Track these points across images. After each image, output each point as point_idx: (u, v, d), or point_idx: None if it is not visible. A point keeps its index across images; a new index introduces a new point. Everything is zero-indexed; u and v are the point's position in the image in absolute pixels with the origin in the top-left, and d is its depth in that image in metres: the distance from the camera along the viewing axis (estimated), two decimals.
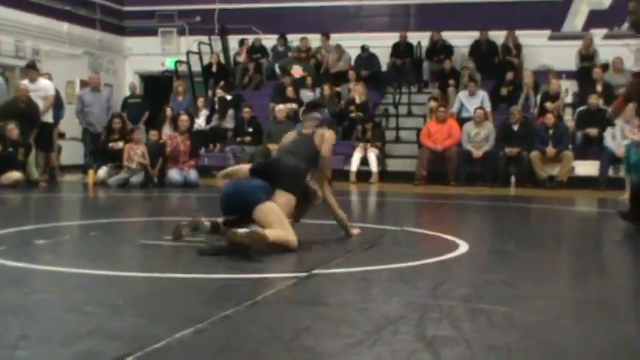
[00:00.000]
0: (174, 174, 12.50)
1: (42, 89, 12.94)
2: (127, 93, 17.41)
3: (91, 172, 12.93)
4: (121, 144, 12.81)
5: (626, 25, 16.06)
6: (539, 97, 14.57)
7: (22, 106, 12.26)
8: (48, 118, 12.94)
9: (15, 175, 11.42)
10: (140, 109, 15.96)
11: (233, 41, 18.42)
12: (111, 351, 2.77)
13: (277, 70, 17.30)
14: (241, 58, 17.90)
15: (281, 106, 14.87)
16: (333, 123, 6.38)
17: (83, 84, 15.31)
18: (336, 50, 17.33)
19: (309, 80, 16.37)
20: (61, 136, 14.30)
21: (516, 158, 13.32)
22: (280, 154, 5.97)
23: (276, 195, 5.40)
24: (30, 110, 12.31)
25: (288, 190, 5.49)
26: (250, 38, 18.15)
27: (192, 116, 14.56)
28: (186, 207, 10.40)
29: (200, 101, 16.21)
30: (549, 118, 13.21)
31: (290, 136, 6.11)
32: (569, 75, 15.70)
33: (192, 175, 12.63)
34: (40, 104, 12.71)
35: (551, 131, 13.14)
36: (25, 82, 12.93)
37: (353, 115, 15.16)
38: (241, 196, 5.32)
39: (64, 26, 17.47)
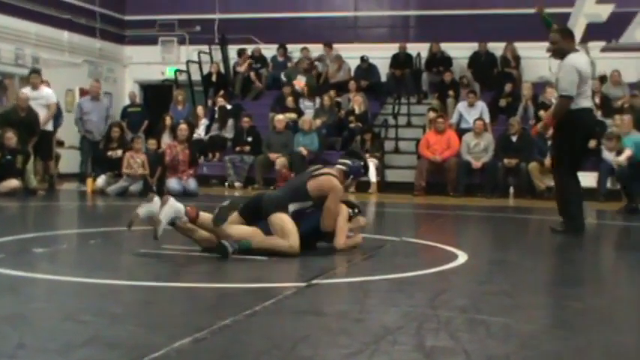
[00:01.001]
0: (173, 183, 12.50)
1: (44, 97, 12.97)
2: (127, 102, 17.45)
3: (89, 180, 12.93)
4: (119, 152, 12.82)
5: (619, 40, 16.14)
6: None
7: (22, 114, 12.29)
8: (48, 126, 12.96)
9: (13, 183, 11.41)
10: (140, 118, 15.99)
11: (233, 51, 18.46)
12: None
13: (284, 78, 17.30)
14: (241, 68, 17.94)
15: (280, 117, 14.89)
16: (358, 176, 6.15)
17: (83, 92, 15.33)
18: (336, 60, 17.37)
19: (305, 91, 16.41)
20: (60, 144, 14.31)
21: (515, 169, 13.33)
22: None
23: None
24: (30, 119, 12.33)
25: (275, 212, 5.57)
26: (250, 48, 18.19)
27: (192, 125, 14.57)
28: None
29: (200, 110, 16.23)
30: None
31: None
32: None
33: (192, 184, 12.64)
34: (42, 112, 12.73)
35: (549, 142, 13.13)
36: (27, 89, 12.95)
37: (352, 125, 15.18)
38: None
39: (64, 34, 17.52)
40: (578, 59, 7.33)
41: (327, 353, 2.98)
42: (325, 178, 5.78)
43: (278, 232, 5.44)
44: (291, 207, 5.63)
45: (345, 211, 5.85)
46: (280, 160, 13.00)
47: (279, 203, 5.62)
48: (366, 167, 6.16)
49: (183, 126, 13.14)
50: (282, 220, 5.49)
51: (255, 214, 5.64)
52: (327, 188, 5.72)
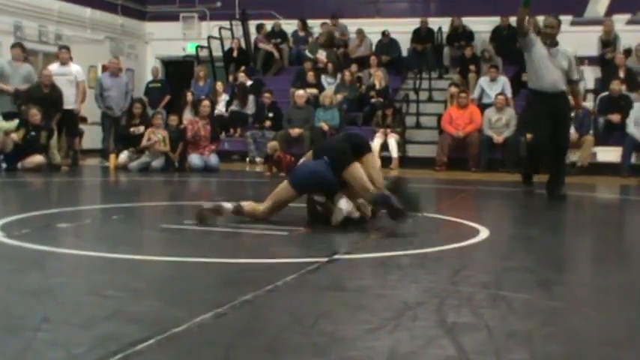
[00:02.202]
0: (194, 159, 12.54)
1: (73, 73, 13.03)
2: (149, 78, 17.48)
3: (112, 156, 13.01)
4: (141, 129, 12.87)
5: None
6: None
7: (46, 91, 12.35)
8: (72, 104, 13.00)
9: (37, 158, 11.51)
10: (161, 93, 16.03)
11: (253, 26, 18.42)
12: (131, 334, 2.78)
13: (309, 54, 17.23)
14: (262, 44, 17.90)
15: (301, 92, 14.85)
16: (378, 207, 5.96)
17: (105, 69, 15.38)
18: (357, 35, 17.30)
19: (330, 67, 16.35)
20: (83, 120, 14.39)
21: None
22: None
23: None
24: (53, 95, 12.39)
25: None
26: (270, 23, 18.14)
27: (213, 102, 14.59)
28: (207, 191, 10.44)
29: (219, 86, 16.24)
30: None
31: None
32: (592, 61, 15.56)
33: (213, 159, 12.67)
34: (70, 88, 12.80)
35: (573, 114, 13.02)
36: (55, 65, 13.00)
37: (373, 100, 15.13)
38: (316, 174, 5.77)
39: (87, 11, 17.56)
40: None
41: (348, 329, 2.99)
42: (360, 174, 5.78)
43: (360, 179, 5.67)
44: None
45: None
46: (272, 144, 12.36)
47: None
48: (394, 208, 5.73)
49: (206, 102, 13.15)
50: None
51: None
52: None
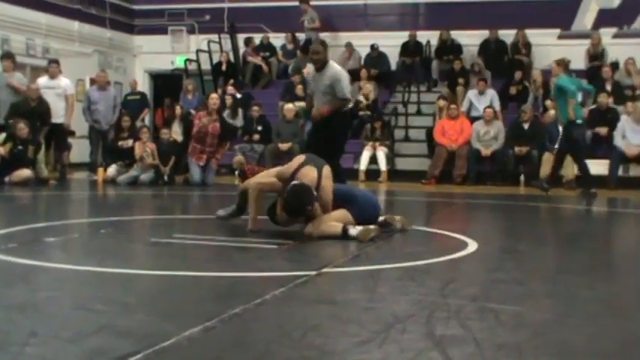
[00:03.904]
0: (195, 174, 12.18)
1: (62, 87, 12.99)
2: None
3: (100, 169, 12.96)
4: (130, 142, 12.83)
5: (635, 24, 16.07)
6: None
7: (33, 104, 12.30)
8: (62, 117, 12.95)
9: (25, 172, 11.45)
10: (140, 106, 15.97)
11: (242, 40, 18.44)
12: (120, 348, 2.77)
13: (290, 72, 17.29)
14: (251, 57, 17.92)
15: (290, 105, 14.85)
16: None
17: (93, 82, 15.34)
18: (346, 49, 17.36)
19: None
20: (71, 134, 14.34)
21: (526, 157, 13.28)
22: None
23: None
24: (40, 108, 12.35)
25: None
26: (259, 37, 18.17)
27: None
28: (196, 205, 10.42)
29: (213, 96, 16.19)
30: (550, 116, 13.19)
31: None
32: (579, 74, 15.65)
33: (210, 177, 12.33)
34: (59, 102, 12.76)
35: (561, 127, 13.09)
36: (44, 78, 12.96)
37: (362, 113, 15.15)
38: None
39: (75, 25, 17.52)
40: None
41: (337, 342, 2.99)
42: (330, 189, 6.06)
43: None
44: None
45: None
46: (238, 159, 11.65)
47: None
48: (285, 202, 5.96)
49: (214, 95, 12.86)
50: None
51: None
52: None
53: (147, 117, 16.37)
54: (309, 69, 17.12)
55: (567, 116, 10.96)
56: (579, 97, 11.66)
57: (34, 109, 12.22)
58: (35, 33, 16.17)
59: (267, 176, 6.28)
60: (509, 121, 14.12)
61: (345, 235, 5.69)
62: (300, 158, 6.18)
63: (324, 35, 17.74)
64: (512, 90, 15.38)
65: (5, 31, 15.33)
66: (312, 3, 17.86)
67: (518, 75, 15.43)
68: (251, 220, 6.10)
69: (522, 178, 13.46)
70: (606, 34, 16.09)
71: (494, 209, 9.93)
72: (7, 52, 13.51)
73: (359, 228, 5.72)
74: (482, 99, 14.71)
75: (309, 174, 5.95)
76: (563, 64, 11.31)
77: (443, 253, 5.31)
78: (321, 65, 8.32)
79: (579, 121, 11.09)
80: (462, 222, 8.48)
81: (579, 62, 15.52)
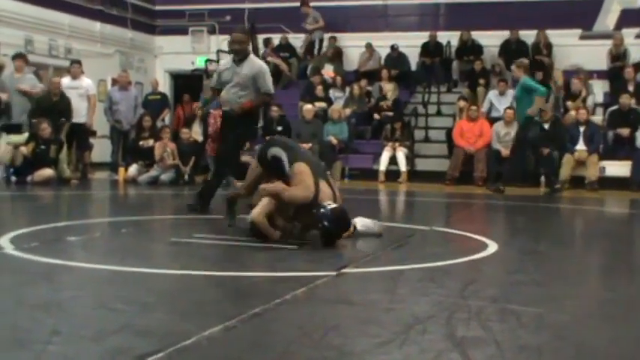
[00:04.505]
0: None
1: (84, 87, 13.08)
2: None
3: (121, 169, 13.05)
4: (151, 142, 12.90)
5: None
6: None
7: (55, 99, 12.37)
8: (85, 117, 13.04)
9: (47, 172, 11.55)
10: (160, 106, 16.05)
11: (262, 40, 18.47)
12: (141, 347, 2.79)
13: (308, 72, 17.32)
14: (271, 57, 17.95)
15: (308, 106, 14.86)
16: (317, 222, 5.61)
17: (114, 82, 15.44)
18: (366, 49, 17.35)
19: (338, 80, 16.38)
20: (93, 133, 14.43)
21: (546, 158, 13.20)
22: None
23: None
24: (62, 104, 12.42)
25: None
26: (277, 37, 18.20)
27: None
28: (216, 205, 10.44)
29: None
30: (571, 117, 13.12)
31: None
32: (601, 75, 15.54)
33: (230, 177, 12.33)
34: (81, 102, 12.84)
35: (582, 128, 13.01)
36: (67, 79, 13.04)
37: (382, 114, 15.15)
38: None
39: (97, 25, 17.63)
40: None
41: (357, 342, 2.99)
42: (308, 179, 5.59)
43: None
44: (272, 152, 5.86)
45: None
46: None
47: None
48: (328, 235, 5.49)
49: None
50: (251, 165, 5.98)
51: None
52: (297, 181, 5.59)
53: (167, 117, 16.43)
54: (328, 70, 17.24)
55: (525, 114, 11.38)
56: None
57: (55, 104, 12.30)
58: (58, 34, 16.28)
59: (268, 202, 5.63)
60: None
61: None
62: (308, 172, 5.64)
63: (341, 35, 17.78)
64: None
65: (28, 32, 15.45)
66: (331, 3, 17.88)
67: (539, 76, 15.32)
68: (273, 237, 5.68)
69: (543, 179, 13.39)
70: (629, 34, 15.95)
71: (514, 210, 9.88)
72: (18, 52, 13.59)
73: None
74: (503, 100, 14.63)
75: (326, 191, 5.66)
76: (523, 66, 11.68)
77: (463, 254, 5.30)
78: (242, 56, 7.63)
79: (537, 119, 11.65)
80: (482, 223, 8.45)
81: (601, 63, 15.43)
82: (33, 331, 3.03)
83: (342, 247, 5.52)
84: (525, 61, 11.95)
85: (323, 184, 5.68)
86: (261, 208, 5.53)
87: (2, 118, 12.28)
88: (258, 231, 5.58)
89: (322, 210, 5.41)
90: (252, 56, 7.85)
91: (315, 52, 17.99)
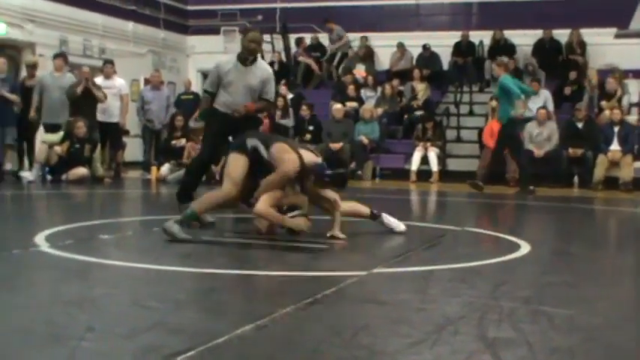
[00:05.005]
0: None
1: (117, 87, 13.19)
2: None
3: (154, 168, 13.15)
4: (183, 141, 12.98)
5: None
6: None
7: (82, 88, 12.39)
8: (118, 117, 13.15)
9: (81, 171, 11.68)
10: (193, 105, 16.14)
11: (294, 40, 18.52)
12: (173, 345, 2.81)
13: (339, 72, 17.35)
14: (302, 57, 17.99)
15: (338, 106, 14.87)
16: (319, 177, 5.98)
17: (147, 82, 15.57)
18: (398, 49, 17.32)
19: (370, 80, 16.37)
20: (126, 133, 14.57)
21: (580, 159, 13.08)
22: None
23: None
24: (89, 94, 12.47)
25: None
26: (309, 37, 18.22)
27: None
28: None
29: None
30: (606, 116, 12.98)
31: None
32: (636, 74, 15.35)
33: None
34: (114, 101, 12.95)
35: (616, 128, 12.87)
36: (99, 79, 13.16)
37: (414, 114, 15.13)
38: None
39: (130, 25, 17.79)
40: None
41: (387, 342, 2.99)
42: (286, 153, 5.83)
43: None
44: (250, 142, 5.93)
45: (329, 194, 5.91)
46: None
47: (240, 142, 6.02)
48: (337, 177, 5.92)
49: None
50: (230, 162, 5.93)
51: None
52: (279, 160, 5.79)
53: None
54: (360, 70, 17.24)
55: (508, 115, 11.34)
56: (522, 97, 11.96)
57: (85, 92, 12.32)
58: (92, 34, 16.46)
59: (272, 195, 5.80)
60: (563, 122, 13.91)
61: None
62: (286, 147, 5.92)
63: (372, 35, 17.76)
64: (567, 90, 15.17)
65: (63, 32, 15.63)
66: (363, 3, 17.87)
67: (572, 75, 15.21)
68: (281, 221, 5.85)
69: (576, 179, 13.27)
70: None
71: (547, 211, 9.81)
72: (60, 51, 13.73)
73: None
74: (536, 99, 14.51)
75: (307, 154, 6.02)
76: (503, 64, 11.74)
77: (494, 255, 5.27)
78: (254, 59, 7.14)
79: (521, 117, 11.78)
80: (513, 224, 8.39)
81: (637, 62, 15.23)
82: (67, 327, 3.08)
83: (373, 247, 5.52)
84: (505, 59, 12.10)
85: (303, 151, 5.96)
86: (262, 201, 5.71)
87: (42, 117, 12.35)
88: (289, 228, 5.73)
89: (317, 167, 5.87)
90: (260, 59, 7.43)
91: (335, 63, 17.96)
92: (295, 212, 5.74)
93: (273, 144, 5.88)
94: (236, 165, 5.87)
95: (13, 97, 11.91)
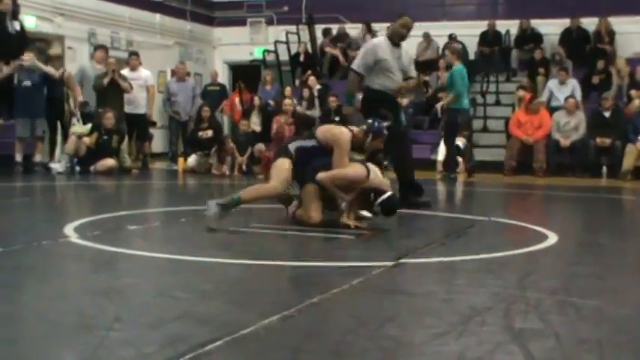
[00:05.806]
0: None
1: (143, 78, 13.27)
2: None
3: (180, 159, 13.22)
4: (209, 133, 13.03)
5: None
6: None
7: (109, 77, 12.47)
8: (144, 108, 13.24)
9: (109, 162, 11.76)
10: (219, 97, 16.20)
11: (320, 30, 18.48)
12: (199, 335, 2.83)
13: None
14: (329, 48, 17.96)
15: (361, 96, 14.81)
16: (378, 136, 6.33)
17: (173, 74, 15.65)
18: (424, 39, 17.24)
19: None
20: (153, 124, 14.65)
21: (608, 148, 12.96)
22: None
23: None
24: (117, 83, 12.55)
25: None
26: (335, 27, 18.18)
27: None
28: None
29: (287, 91, 16.32)
30: (635, 106, 12.83)
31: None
32: None
33: None
34: (140, 93, 13.03)
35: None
36: (125, 71, 13.25)
37: (440, 103, 15.05)
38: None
39: (156, 17, 17.86)
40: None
41: (414, 333, 2.99)
42: (333, 127, 6.23)
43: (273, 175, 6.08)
44: (292, 145, 6.12)
45: (358, 168, 5.95)
46: (259, 147, 12.75)
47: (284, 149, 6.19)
48: (387, 203, 5.82)
49: (287, 100, 13.26)
50: (277, 165, 6.08)
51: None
52: (330, 137, 6.03)
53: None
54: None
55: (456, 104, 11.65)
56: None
57: (111, 80, 12.41)
58: (119, 26, 16.56)
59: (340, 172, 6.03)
60: (591, 112, 13.78)
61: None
62: (330, 126, 6.42)
63: None
64: (595, 79, 15.01)
65: (92, 25, 15.75)
66: None
67: (600, 64, 15.04)
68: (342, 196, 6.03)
69: (604, 169, 13.15)
70: None
71: (574, 201, 9.73)
72: (101, 44, 13.90)
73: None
74: (564, 89, 14.39)
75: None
76: (456, 52, 12.01)
77: (521, 246, 5.25)
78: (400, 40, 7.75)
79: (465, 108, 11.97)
80: (541, 214, 8.34)
81: None
82: (96, 317, 3.11)
83: (399, 238, 5.51)
84: (458, 46, 12.32)
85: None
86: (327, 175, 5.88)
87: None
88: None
89: (369, 126, 6.20)
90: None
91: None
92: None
93: (315, 133, 6.18)
94: (281, 166, 6.10)
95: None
